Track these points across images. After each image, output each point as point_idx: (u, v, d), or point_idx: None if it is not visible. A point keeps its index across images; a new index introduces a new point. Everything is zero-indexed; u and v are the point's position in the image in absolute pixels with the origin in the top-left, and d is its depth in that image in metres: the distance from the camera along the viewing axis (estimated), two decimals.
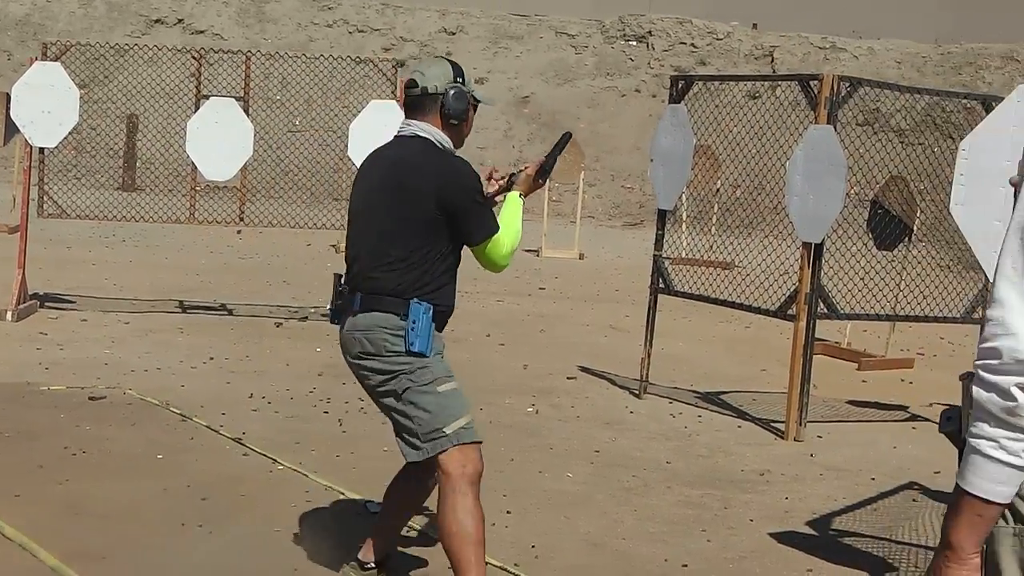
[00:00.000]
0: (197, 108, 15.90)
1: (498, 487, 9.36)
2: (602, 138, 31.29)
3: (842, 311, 12.78)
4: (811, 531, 9.12)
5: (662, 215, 13.42)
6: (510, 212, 6.76)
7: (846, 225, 13.82)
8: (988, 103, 11.25)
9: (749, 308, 13.02)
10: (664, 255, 13.51)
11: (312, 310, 16.01)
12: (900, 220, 13.99)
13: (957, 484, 2.81)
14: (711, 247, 19.78)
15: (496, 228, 6.54)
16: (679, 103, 13.26)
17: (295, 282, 17.83)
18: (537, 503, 9.13)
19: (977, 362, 2.75)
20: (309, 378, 12.46)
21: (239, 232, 19.44)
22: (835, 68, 30.21)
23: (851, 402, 13.64)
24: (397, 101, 15.28)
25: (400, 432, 6.66)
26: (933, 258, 14.63)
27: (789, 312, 12.13)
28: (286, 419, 10.86)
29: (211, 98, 16.06)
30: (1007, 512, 2.90)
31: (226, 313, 15.55)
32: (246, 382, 12.08)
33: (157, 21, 33.89)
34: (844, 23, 35.85)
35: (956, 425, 2.98)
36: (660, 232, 13.40)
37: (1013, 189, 3.62)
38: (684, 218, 22.65)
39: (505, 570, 7.71)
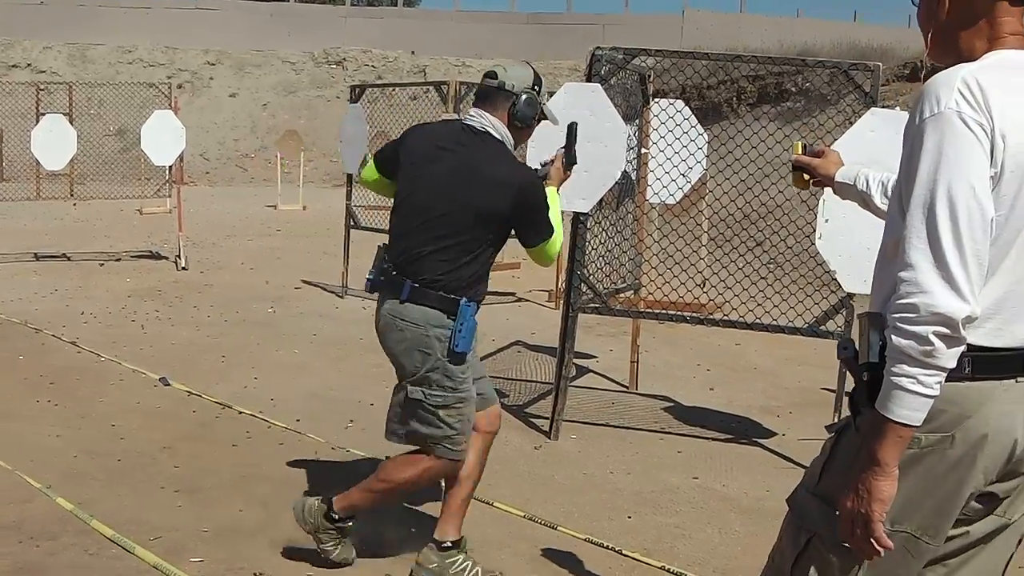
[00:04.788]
0: (38, 122, 15.38)
1: (247, 362, 9.28)
2: (316, 130, 30.96)
3: None
4: None
5: (349, 177, 13.37)
6: (554, 209, 4.92)
7: None
8: None
9: None
10: (355, 203, 13.48)
11: (123, 254, 15.56)
12: None
13: (879, 414, 2.53)
14: (390, 198, 19.61)
15: (552, 231, 4.84)
16: (357, 103, 13.23)
17: (112, 236, 17.29)
18: (274, 370, 9.04)
19: (894, 315, 2.50)
20: (122, 300, 12.03)
21: (74, 204, 18.77)
22: (464, 78, 30.21)
23: None
24: (173, 110, 14.91)
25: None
26: None
27: None
28: (107, 327, 10.50)
29: (47, 115, 15.56)
30: None
31: (66, 259, 14.96)
32: (79, 304, 11.62)
33: (13, 66, 32.47)
34: (470, 50, 36.02)
35: (852, 352, 2.71)
36: (349, 188, 13.42)
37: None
38: None
39: (254, 416, 7.62)
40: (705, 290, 7.96)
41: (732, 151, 7.86)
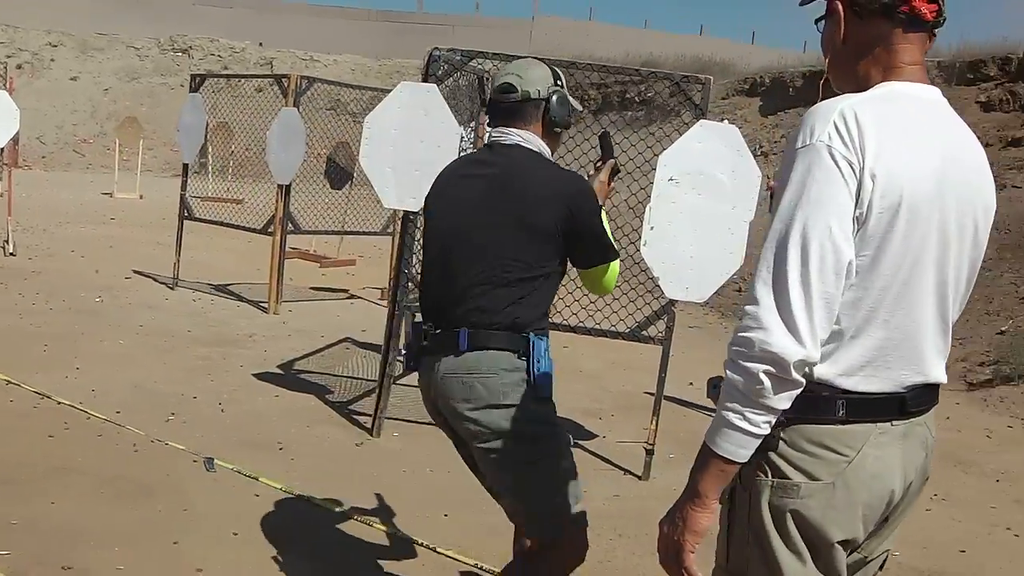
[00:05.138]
0: None
1: (70, 352, 9.08)
2: (157, 117, 30.55)
3: (304, 228, 12.81)
4: (280, 371, 9.12)
5: (186, 167, 13.18)
6: (607, 231, 4.02)
7: (312, 173, 13.78)
8: None
9: (246, 228, 12.93)
10: (191, 194, 13.32)
11: None
12: (345, 170, 14.01)
13: (706, 444, 2.44)
14: (228, 189, 19.39)
15: (615, 255, 3.95)
16: (197, 92, 13.08)
17: None
18: (97, 361, 8.88)
19: (732, 347, 2.39)
20: None
21: None
22: (311, 73, 30.00)
23: (313, 288, 13.66)
24: (8, 91, 14.51)
25: (504, 497, 4.01)
26: (367, 195, 14.73)
27: (269, 230, 12.12)
28: None
29: None
30: (766, 466, 2.51)
31: None
32: None
33: None
34: (318, 45, 35.78)
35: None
36: (185, 178, 13.20)
37: (770, 193, 3.29)
38: (210, 170, 22.30)
39: (73, 407, 7.48)
40: None
41: (563, 156, 7.95)
